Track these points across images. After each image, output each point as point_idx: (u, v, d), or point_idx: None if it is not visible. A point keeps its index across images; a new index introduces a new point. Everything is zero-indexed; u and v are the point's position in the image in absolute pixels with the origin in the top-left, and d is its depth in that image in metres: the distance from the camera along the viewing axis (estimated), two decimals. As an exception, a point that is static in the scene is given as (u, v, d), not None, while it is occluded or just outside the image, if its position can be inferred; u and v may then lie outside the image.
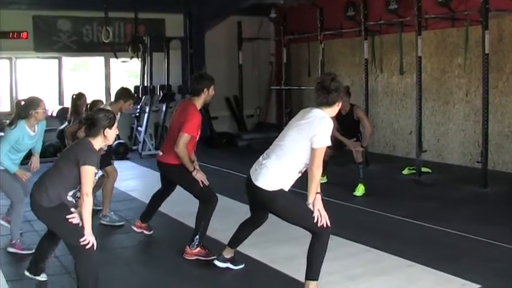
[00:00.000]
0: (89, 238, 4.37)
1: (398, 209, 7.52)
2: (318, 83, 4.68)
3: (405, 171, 10.03)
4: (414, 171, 9.85)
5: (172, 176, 6.04)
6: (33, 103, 6.06)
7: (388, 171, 10.38)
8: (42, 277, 5.16)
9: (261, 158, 4.80)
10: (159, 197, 6.48)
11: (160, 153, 6.08)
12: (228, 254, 5.42)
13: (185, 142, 5.65)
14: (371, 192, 8.63)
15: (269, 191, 4.57)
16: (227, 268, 5.46)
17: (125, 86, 7.55)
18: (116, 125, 4.58)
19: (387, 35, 11.76)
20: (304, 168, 4.59)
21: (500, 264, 5.49)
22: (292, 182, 4.61)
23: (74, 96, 9.72)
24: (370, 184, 8.70)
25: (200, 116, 5.86)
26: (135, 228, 6.57)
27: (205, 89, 5.89)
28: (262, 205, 4.78)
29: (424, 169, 9.84)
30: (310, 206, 4.50)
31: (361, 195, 8.46)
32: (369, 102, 11.32)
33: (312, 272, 4.59)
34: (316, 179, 4.50)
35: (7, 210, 6.56)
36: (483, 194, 8.56)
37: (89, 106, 8.21)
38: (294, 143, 4.56)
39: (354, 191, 8.52)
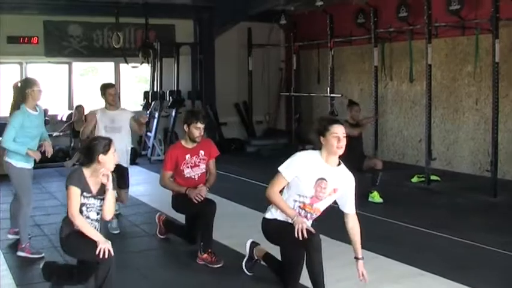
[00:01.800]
0: (102, 246, 4.39)
1: (408, 217, 7.50)
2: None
3: (414, 179, 10.00)
4: (423, 179, 9.82)
5: (175, 205, 6.30)
6: (27, 82, 6.12)
7: (397, 179, 10.34)
8: None
9: None
10: (184, 228, 6.59)
11: None
12: None
13: (161, 178, 6.19)
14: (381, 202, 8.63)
15: (264, 218, 4.95)
16: (236, 274, 5.47)
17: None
18: (112, 150, 4.56)
19: (397, 42, 11.75)
20: (301, 204, 4.73)
21: (509, 273, 5.46)
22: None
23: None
24: (379, 191, 8.67)
25: (173, 150, 6.21)
26: (156, 218, 6.81)
27: (186, 126, 6.12)
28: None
29: (433, 177, 9.80)
30: (294, 219, 4.58)
31: (378, 202, 8.50)
32: (378, 109, 11.31)
33: (315, 284, 4.68)
34: (272, 201, 4.73)
35: (11, 221, 6.54)
36: (493, 203, 8.52)
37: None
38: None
39: (369, 197, 8.56)
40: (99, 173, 4.52)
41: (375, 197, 8.56)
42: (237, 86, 14.96)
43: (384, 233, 6.93)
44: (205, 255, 5.80)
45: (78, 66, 14.07)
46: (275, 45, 15.24)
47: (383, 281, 5.28)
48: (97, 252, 4.35)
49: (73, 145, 11.97)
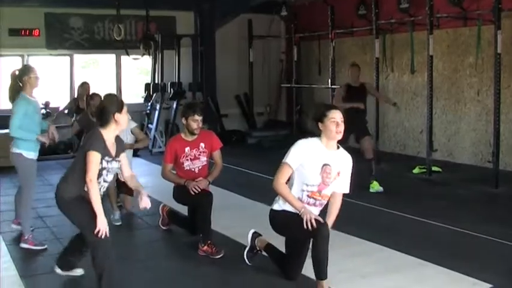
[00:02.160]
0: (100, 227, 4.42)
1: (409, 208, 7.52)
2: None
3: (416, 170, 10.01)
4: (425, 170, 9.83)
5: (176, 197, 6.36)
6: (25, 70, 6.14)
7: (398, 170, 10.36)
8: (77, 272, 5.16)
9: None
10: (188, 220, 6.60)
11: None
12: None
13: (162, 170, 6.25)
14: (382, 191, 8.63)
15: (272, 209, 4.91)
16: (237, 265, 5.50)
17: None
18: (125, 109, 4.69)
19: (398, 33, 11.74)
20: (309, 193, 4.73)
21: (511, 264, 5.48)
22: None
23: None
24: (380, 183, 8.69)
25: (173, 143, 6.27)
26: (160, 209, 6.79)
27: (184, 119, 6.21)
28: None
29: (434, 168, 9.81)
30: (302, 211, 4.60)
31: (376, 191, 8.52)
32: (380, 101, 11.29)
33: (319, 273, 4.63)
34: (279, 193, 4.73)
35: (16, 212, 6.55)
36: (494, 194, 8.54)
37: (88, 98, 8.37)
38: None
39: (369, 188, 8.60)
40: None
41: (375, 186, 8.60)
42: (237, 78, 14.95)
43: (385, 224, 6.96)
44: (205, 247, 5.82)
45: (80, 58, 14.06)
46: (276, 36, 15.23)
47: (384, 271, 5.30)
48: (95, 231, 4.40)
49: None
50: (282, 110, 15.82)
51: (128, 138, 7.13)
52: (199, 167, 6.19)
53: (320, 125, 4.65)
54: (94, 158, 4.44)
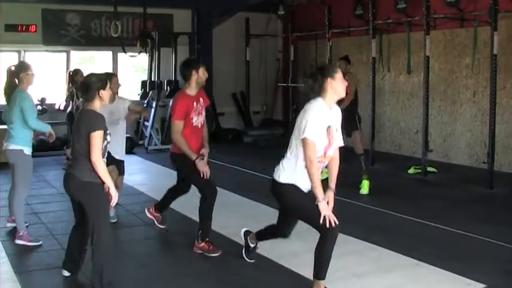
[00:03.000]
0: (113, 193, 4.66)
1: (404, 208, 7.54)
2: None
3: (411, 171, 10.03)
4: (420, 170, 9.85)
5: (177, 165, 6.14)
6: (22, 66, 6.23)
7: (394, 170, 10.39)
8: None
9: None
10: (172, 191, 6.51)
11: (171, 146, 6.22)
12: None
13: (175, 130, 5.76)
14: (377, 191, 8.65)
15: (280, 183, 4.60)
16: (233, 263, 5.52)
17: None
18: (109, 85, 4.77)
19: (395, 34, 11.76)
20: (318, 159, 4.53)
21: (505, 264, 5.50)
22: (306, 179, 4.53)
23: (71, 73, 10.08)
24: (376, 183, 8.71)
25: (183, 99, 5.89)
26: (147, 213, 6.60)
27: (194, 72, 5.96)
28: (276, 200, 4.77)
29: (430, 169, 9.84)
30: (320, 204, 4.41)
31: (367, 193, 8.49)
32: (376, 101, 11.32)
33: (319, 271, 4.58)
34: (310, 174, 4.43)
35: (9, 209, 6.47)
36: (489, 194, 8.56)
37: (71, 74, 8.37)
38: (293, 139, 4.59)
39: (360, 188, 8.55)
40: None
41: (364, 187, 8.56)
42: (234, 76, 14.96)
43: (380, 224, 6.97)
44: (202, 243, 5.81)
45: (76, 55, 14.03)
46: (273, 35, 15.24)
47: (379, 271, 5.32)
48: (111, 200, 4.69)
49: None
50: (278, 109, 15.84)
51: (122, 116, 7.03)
52: (202, 122, 6.03)
53: (330, 81, 4.49)
54: (100, 137, 4.58)
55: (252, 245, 5.48)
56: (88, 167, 4.59)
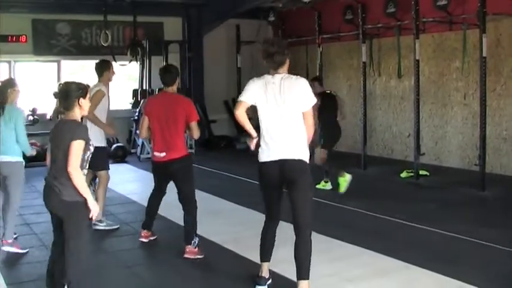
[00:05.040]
0: (92, 208, 4.32)
1: (397, 212, 7.53)
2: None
3: (403, 174, 10.05)
4: (412, 174, 9.87)
5: (180, 169, 6.02)
6: (10, 82, 6.37)
7: (386, 174, 10.40)
8: None
9: None
10: (156, 201, 6.48)
11: (164, 154, 6.00)
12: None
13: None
14: (369, 195, 8.67)
15: (305, 161, 4.70)
16: (224, 271, 5.51)
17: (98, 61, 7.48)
18: (89, 95, 4.53)
19: (385, 38, 11.80)
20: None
21: (498, 267, 5.51)
22: None
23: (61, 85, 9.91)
24: (368, 187, 8.74)
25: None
26: (143, 240, 6.50)
27: (177, 78, 6.17)
28: (293, 179, 4.69)
29: (422, 172, 9.85)
30: None
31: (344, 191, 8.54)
32: (367, 105, 11.35)
33: (304, 271, 4.59)
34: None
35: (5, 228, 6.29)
36: (481, 197, 8.58)
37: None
38: (292, 115, 4.77)
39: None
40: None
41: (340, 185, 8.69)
42: (226, 83, 14.97)
43: (372, 228, 6.97)
44: (197, 248, 5.90)
45: (68, 65, 14.01)
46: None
47: (369, 275, 5.32)
48: (90, 216, 4.34)
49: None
50: (270, 115, 15.80)
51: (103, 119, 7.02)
52: None
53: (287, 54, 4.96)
54: (81, 147, 4.28)
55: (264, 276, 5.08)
56: (71, 182, 4.29)
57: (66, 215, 4.36)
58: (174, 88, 6.13)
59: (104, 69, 7.19)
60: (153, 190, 6.48)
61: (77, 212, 4.32)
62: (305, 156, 4.67)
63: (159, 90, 12.68)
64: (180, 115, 5.97)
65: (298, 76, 4.82)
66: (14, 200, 6.11)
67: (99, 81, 7.17)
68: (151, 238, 6.58)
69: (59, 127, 4.47)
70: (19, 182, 6.15)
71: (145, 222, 6.54)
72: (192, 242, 5.93)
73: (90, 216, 4.35)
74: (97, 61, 7.38)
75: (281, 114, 4.64)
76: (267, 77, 4.79)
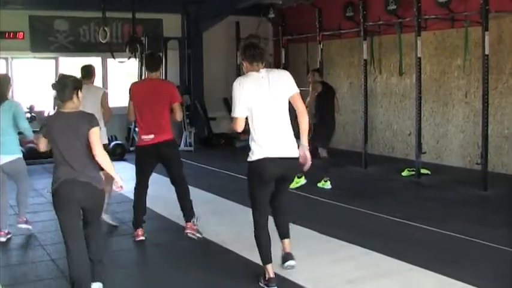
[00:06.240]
0: (120, 182, 4.68)
1: (398, 211, 7.44)
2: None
3: (404, 173, 9.96)
4: (413, 172, 9.78)
5: (170, 152, 6.32)
6: (6, 78, 6.58)
7: (387, 173, 10.32)
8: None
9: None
10: (143, 196, 6.50)
11: (152, 136, 6.17)
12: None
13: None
14: (370, 194, 8.60)
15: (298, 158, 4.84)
16: (225, 271, 5.43)
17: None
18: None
19: (386, 35, 11.70)
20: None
21: (500, 267, 5.42)
22: None
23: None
24: (369, 186, 8.67)
25: None
26: (141, 238, 6.43)
27: (160, 65, 6.72)
28: (289, 176, 4.96)
29: (423, 171, 9.76)
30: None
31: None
32: (368, 103, 11.26)
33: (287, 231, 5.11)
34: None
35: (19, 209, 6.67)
36: (483, 196, 8.48)
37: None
38: (284, 109, 4.98)
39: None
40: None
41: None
42: (225, 81, 14.84)
43: (373, 227, 6.88)
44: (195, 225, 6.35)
45: (66, 62, 13.90)
46: (263, 38, 15.08)
47: (371, 276, 5.24)
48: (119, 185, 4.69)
49: None
50: (270, 112, 15.72)
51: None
52: None
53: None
54: (98, 133, 4.55)
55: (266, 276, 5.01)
56: (97, 170, 4.56)
57: (97, 203, 4.66)
58: (157, 74, 6.45)
59: (94, 71, 7.44)
60: (136, 185, 6.49)
61: (103, 199, 4.79)
62: (297, 152, 4.79)
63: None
64: (165, 98, 6.26)
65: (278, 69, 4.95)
66: (23, 189, 6.49)
67: (90, 82, 7.24)
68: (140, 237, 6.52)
69: (68, 119, 4.52)
70: (24, 175, 6.44)
71: (137, 221, 6.49)
72: (192, 220, 6.27)
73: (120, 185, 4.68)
74: (87, 64, 7.54)
75: (274, 107, 4.74)
76: (253, 74, 4.77)
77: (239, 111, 4.72)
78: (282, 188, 4.99)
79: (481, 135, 8.91)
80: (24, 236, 6.67)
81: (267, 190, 4.84)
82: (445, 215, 7.44)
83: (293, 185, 8.45)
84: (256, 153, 4.71)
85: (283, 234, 5.17)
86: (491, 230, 6.55)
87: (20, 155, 6.33)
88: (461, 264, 5.47)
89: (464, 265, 5.46)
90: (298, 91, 4.86)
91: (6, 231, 6.45)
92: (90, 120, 4.49)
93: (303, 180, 8.79)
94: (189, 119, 13.83)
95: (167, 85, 6.62)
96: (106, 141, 7.13)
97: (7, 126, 6.15)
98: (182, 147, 13.64)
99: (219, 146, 13.98)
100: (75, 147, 4.44)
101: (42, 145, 4.65)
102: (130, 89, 6.49)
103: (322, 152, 8.73)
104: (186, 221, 6.37)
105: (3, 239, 6.40)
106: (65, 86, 4.51)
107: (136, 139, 12.84)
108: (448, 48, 10.72)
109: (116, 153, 12.16)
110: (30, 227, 6.61)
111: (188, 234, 6.32)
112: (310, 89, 8.90)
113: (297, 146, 4.80)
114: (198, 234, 6.30)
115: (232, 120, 4.82)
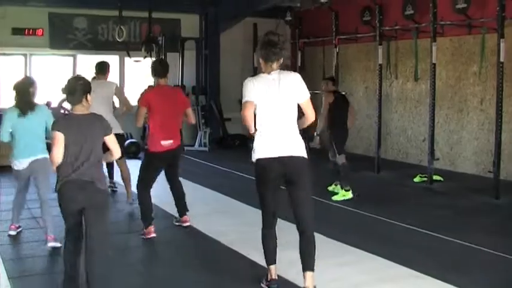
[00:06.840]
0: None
1: (409, 218, 7.40)
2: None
3: (417, 179, 9.91)
4: (426, 179, 9.72)
5: (178, 154, 6.87)
6: (31, 81, 6.51)
7: (399, 179, 10.26)
8: None
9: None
10: (150, 197, 6.63)
11: (171, 141, 6.47)
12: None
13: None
14: (381, 199, 8.55)
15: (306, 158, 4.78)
16: (231, 272, 5.46)
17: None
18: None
19: (403, 40, 11.65)
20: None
21: (510, 277, 5.36)
22: None
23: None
24: (380, 191, 8.62)
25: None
26: (153, 235, 6.49)
27: (168, 71, 6.80)
28: (295, 176, 4.73)
29: (436, 177, 9.70)
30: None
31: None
32: (383, 108, 11.22)
33: (313, 263, 4.64)
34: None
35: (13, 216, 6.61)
36: (495, 204, 8.39)
37: None
38: (291, 111, 4.92)
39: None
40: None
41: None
42: (241, 82, 14.53)
43: (382, 233, 6.85)
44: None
45: (84, 59, 14.00)
46: (281, 35, 15.11)
47: (378, 282, 5.21)
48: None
49: None
50: (285, 115, 15.71)
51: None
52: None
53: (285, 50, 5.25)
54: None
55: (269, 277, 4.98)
56: (101, 171, 4.72)
57: (99, 202, 4.62)
58: (166, 80, 6.65)
59: (108, 68, 7.98)
60: (144, 188, 6.57)
61: (108, 199, 4.89)
62: (305, 153, 4.73)
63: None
64: (180, 104, 6.60)
65: (291, 71, 4.95)
66: (44, 194, 6.24)
67: (104, 78, 8.02)
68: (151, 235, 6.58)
69: (79, 121, 4.57)
70: (47, 176, 6.26)
71: (147, 220, 6.54)
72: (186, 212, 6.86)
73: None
74: (102, 61, 8.28)
75: (282, 110, 4.72)
76: (264, 76, 4.77)
77: (250, 96, 4.72)
78: (296, 197, 4.69)
79: (494, 143, 8.82)
80: (34, 230, 6.74)
81: (271, 190, 4.79)
82: (455, 223, 7.37)
83: (338, 197, 8.45)
84: (258, 152, 4.71)
85: (304, 264, 4.70)
86: (503, 240, 6.48)
87: (46, 155, 6.11)
88: (470, 274, 5.41)
89: (474, 275, 5.38)
90: (309, 96, 4.83)
91: (17, 225, 6.56)
92: (105, 127, 4.63)
93: (350, 194, 8.46)
94: (204, 119, 13.87)
95: (179, 91, 7.01)
96: (120, 131, 7.51)
97: (42, 133, 6.21)
98: (196, 147, 13.71)
99: (233, 146, 14.00)
100: (82, 147, 4.50)
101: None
102: (143, 96, 6.56)
103: (341, 159, 8.64)
104: (182, 216, 6.89)
105: (14, 233, 6.50)
106: (75, 91, 4.58)
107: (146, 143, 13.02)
108: (464, 55, 10.65)
109: (130, 152, 12.22)
110: (59, 244, 5.96)
111: (188, 225, 6.88)
112: (323, 97, 8.81)
113: (304, 147, 4.76)
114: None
115: (242, 108, 4.75)
